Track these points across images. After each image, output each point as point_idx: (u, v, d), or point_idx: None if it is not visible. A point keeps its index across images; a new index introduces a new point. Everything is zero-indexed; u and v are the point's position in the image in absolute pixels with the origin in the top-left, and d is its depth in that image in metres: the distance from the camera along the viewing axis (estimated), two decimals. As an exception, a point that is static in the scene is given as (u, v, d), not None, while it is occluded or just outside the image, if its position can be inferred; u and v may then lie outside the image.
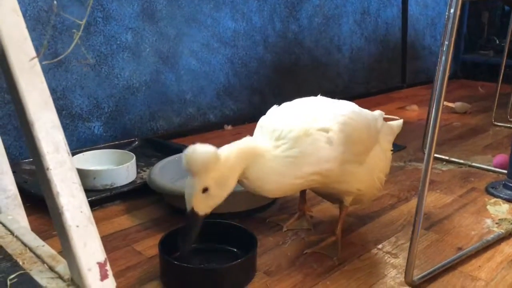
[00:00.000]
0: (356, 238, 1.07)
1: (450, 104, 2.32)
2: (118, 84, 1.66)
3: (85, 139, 1.61)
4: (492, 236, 1.07)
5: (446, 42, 0.77)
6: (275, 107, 1.00)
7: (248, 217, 1.15)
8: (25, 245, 0.63)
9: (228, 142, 0.86)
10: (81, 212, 0.52)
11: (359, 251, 1.01)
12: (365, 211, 1.20)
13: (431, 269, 0.93)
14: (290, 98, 1.02)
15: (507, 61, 2.05)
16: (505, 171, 1.38)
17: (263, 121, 0.96)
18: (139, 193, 1.26)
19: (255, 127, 0.98)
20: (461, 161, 1.57)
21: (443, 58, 0.77)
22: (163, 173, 1.22)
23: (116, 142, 1.59)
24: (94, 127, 1.63)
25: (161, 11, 1.72)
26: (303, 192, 1.12)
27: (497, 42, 3.26)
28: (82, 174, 1.20)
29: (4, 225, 0.68)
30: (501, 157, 1.52)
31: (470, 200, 1.28)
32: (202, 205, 0.82)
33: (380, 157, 1.02)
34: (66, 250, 0.53)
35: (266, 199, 1.19)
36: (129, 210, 1.19)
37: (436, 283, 0.90)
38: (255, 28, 2.06)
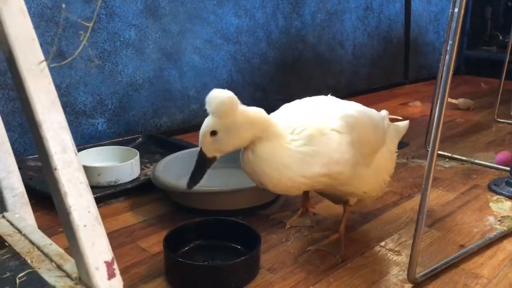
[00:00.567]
0: (359, 236, 1.08)
1: (453, 101, 2.32)
2: (122, 80, 1.67)
3: (89, 136, 1.61)
4: (494, 233, 1.08)
5: (450, 42, 0.77)
6: (286, 105, 0.99)
7: (252, 214, 1.16)
8: (32, 243, 0.64)
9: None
10: (89, 212, 0.52)
11: (362, 248, 1.02)
12: (368, 208, 1.21)
13: (433, 267, 0.93)
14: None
15: (510, 57, 2.04)
16: (508, 168, 1.38)
17: (275, 117, 0.93)
18: (143, 190, 1.27)
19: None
20: (464, 158, 1.57)
21: (447, 57, 0.77)
22: (167, 170, 1.23)
23: (120, 139, 1.60)
24: (97, 123, 1.63)
25: (164, 7, 1.73)
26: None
27: (501, 38, 3.25)
28: (86, 171, 1.21)
29: (11, 224, 0.69)
30: (504, 154, 1.53)
31: (473, 197, 1.28)
32: (210, 147, 0.85)
33: (387, 158, 1.01)
34: (74, 249, 0.53)
35: (269, 196, 1.20)
36: (133, 207, 1.20)
37: (438, 280, 0.91)
38: (258, 25, 2.06)
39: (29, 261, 0.60)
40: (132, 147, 1.44)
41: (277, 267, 0.94)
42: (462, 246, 1.03)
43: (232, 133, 0.84)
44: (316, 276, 0.92)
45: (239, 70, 2.02)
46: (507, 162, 1.46)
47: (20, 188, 0.74)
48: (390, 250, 1.02)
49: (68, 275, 0.57)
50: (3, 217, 0.72)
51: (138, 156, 1.33)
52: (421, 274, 0.90)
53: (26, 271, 0.58)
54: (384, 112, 1.09)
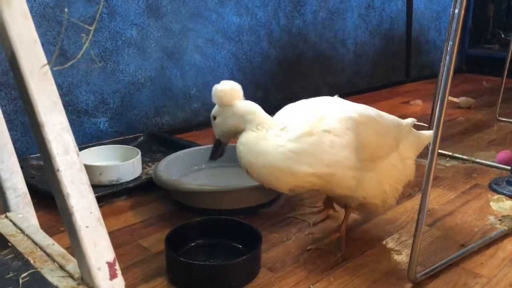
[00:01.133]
0: (360, 235, 1.08)
1: (454, 99, 2.32)
2: (123, 79, 1.67)
3: (90, 135, 1.62)
4: (495, 233, 1.08)
5: (451, 42, 0.78)
6: (290, 104, 1.02)
7: (253, 213, 1.16)
8: (35, 243, 0.65)
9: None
10: (91, 213, 0.53)
11: (363, 248, 1.03)
12: (369, 207, 1.21)
13: (433, 266, 0.94)
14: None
15: (512, 56, 2.04)
16: (509, 167, 1.38)
17: (275, 115, 1.00)
18: (145, 189, 1.28)
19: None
20: (465, 157, 1.57)
21: (447, 58, 0.77)
22: (169, 169, 1.24)
23: (122, 138, 1.61)
24: (99, 122, 1.64)
25: (165, 6, 1.73)
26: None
27: (503, 36, 3.24)
28: (88, 170, 1.22)
29: (14, 224, 0.70)
30: (505, 153, 1.53)
31: (474, 197, 1.29)
32: (215, 129, 1.03)
33: (395, 166, 0.99)
34: (76, 250, 0.54)
35: (270, 195, 1.20)
36: (135, 206, 1.21)
37: (438, 280, 0.91)
38: (259, 23, 2.06)
39: (32, 261, 0.60)
40: (133, 146, 1.44)
41: (278, 266, 0.95)
42: (462, 245, 1.04)
43: (225, 120, 0.99)
44: (317, 275, 0.92)
45: (241, 69, 2.03)
46: (508, 161, 1.46)
47: (23, 188, 0.75)
48: (390, 249, 1.02)
49: (71, 276, 0.57)
50: (6, 217, 0.73)
51: (139, 155, 1.34)
52: (421, 273, 0.91)
53: (29, 271, 0.58)
54: (409, 120, 1.06)
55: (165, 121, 1.83)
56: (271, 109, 1.03)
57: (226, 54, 1.96)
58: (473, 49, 3.30)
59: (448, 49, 0.78)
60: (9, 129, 0.75)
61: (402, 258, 0.99)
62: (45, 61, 0.51)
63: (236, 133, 0.99)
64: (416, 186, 1.33)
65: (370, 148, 0.94)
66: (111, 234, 1.06)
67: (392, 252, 1.01)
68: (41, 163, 1.23)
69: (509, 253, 1.01)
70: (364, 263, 0.97)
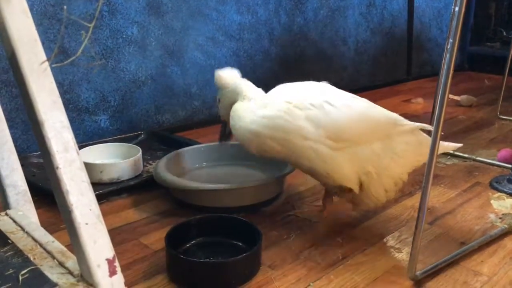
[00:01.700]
0: (360, 233, 1.08)
1: (456, 97, 2.32)
2: (124, 77, 1.67)
3: (91, 133, 1.62)
4: (495, 231, 1.08)
5: (451, 40, 0.78)
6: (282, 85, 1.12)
7: (253, 211, 1.16)
8: (35, 240, 0.65)
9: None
10: (90, 210, 0.53)
11: (363, 245, 1.03)
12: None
13: (433, 264, 0.94)
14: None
15: (513, 54, 2.03)
16: (510, 166, 1.38)
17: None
18: (145, 187, 1.28)
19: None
20: (466, 155, 1.57)
21: (447, 56, 0.77)
22: (170, 167, 1.24)
23: (122, 136, 1.61)
24: (100, 120, 1.64)
25: (166, 4, 1.73)
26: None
27: (504, 34, 3.24)
28: (89, 167, 1.22)
29: (14, 221, 0.70)
30: (506, 152, 1.53)
31: (474, 195, 1.29)
32: (220, 111, 1.19)
33: (380, 156, 1.00)
34: (75, 247, 0.54)
35: (270, 193, 1.20)
36: (135, 204, 1.21)
37: (439, 277, 0.92)
38: (260, 21, 2.06)
39: (31, 258, 0.61)
40: (134, 144, 1.45)
41: (278, 264, 0.95)
42: (462, 243, 1.04)
43: (225, 100, 1.14)
44: (317, 272, 0.92)
45: (242, 67, 2.02)
46: (509, 159, 1.46)
47: (23, 185, 0.75)
48: (391, 247, 1.02)
49: (70, 272, 0.58)
50: (6, 214, 0.73)
51: (140, 153, 1.34)
52: (421, 271, 0.91)
53: (29, 268, 0.59)
54: (416, 124, 1.04)
55: (166, 119, 1.83)
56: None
57: (227, 52, 1.96)
58: (475, 47, 3.29)
59: (448, 47, 0.78)
60: (10, 127, 0.75)
61: (402, 256, 0.99)
62: (44, 58, 0.52)
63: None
64: (417, 184, 1.33)
65: (340, 129, 0.99)
66: (112, 231, 1.06)
67: (393, 250, 1.01)
68: (42, 161, 1.23)
69: (509, 251, 1.01)
70: (364, 260, 0.97)
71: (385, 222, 1.13)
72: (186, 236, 0.98)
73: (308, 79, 1.13)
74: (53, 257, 0.61)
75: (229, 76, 1.14)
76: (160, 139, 1.62)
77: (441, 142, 1.03)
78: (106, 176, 1.26)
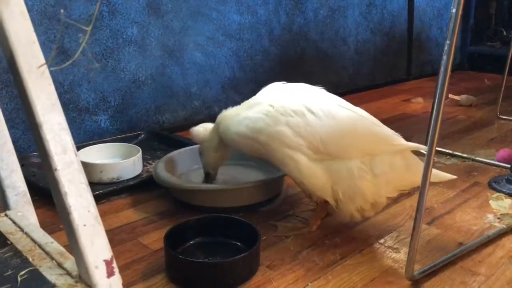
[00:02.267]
0: (358, 233, 1.09)
1: (455, 97, 2.32)
2: (124, 77, 1.68)
3: (91, 133, 1.63)
4: (493, 231, 1.08)
5: (448, 42, 0.78)
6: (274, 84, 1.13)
7: (252, 211, 1.17)
8: (34, 241, 0.65)
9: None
10: (89, 211, 0.54)
11: (361, 246, 1.03)
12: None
13: (431, 264, 0.94)
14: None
15: (513, 53, 2.03)
16: (508, 166, 1.38)
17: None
18: (145, 187, 1.28)
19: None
20: (465, 155, 1.57)
21: (445, 57, 0.78)
22: (169, 167, 1.24)
23: (122, 136, 1.61)
24: (100, 120, 1.65)
25: (166, 4, 1.73)
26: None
27: (504, 33, 3.23)
28: (89, 167, 1.22)
29: (14, 222, 0.70)
30: (504, 152, 1.53)
31: (473, 195, 1.29)
32: (202, 165, 1.22)
33: (354, 175, 0.96)
34: (74, 248, 0.54)
35: (269, 194, 1.21)
36: (135, 204, 1.21)
37: (436, 278, 0.92)
38: (260, 21, 2.06)
39: (30, 259, 0.61)
40: (134, 144, 1.45)
41: (277, 264, 0.95)
42: (460, 243, 1.04)
43: (206, 151, 1.18)
44: (315, 273, 0.93)
45: (242, 67, 2.03)
46: (508, 160, 1.47)
47: (22, 186, 0.75)
48: (389, 247, 1.03)
49: (69, 273, 0.58)
50: (6, 215, 0.73)
51: (140, 153, 1.34)
52: (419, 271, 0.91)
53: (28, 269, 0.59)
54: (407, 145, 1.00)
55: (166, 119, 1.83)
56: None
57: (227, 52, 1.96)
58: (475, 46, 3.29)
59: (446, 48, 0.78)
60: (11, 127, 0.76)
61: (400, 256, 0.99)
62: (43, 60, 0.52)
63: (220, 159, 1.18)
64: (416, 184, 1.33)
65: (316, 140, 0.96)
66: (111, 231, 1.07)
67: (390, 250, 1.02)
68: (42, 161, 1.24)
69: (507, 251, 1.01)
70: (362, 261, 0.97)
71: (383, 222, 1.13)
72: (185, 236, 0.99)
73: (308, 79, 1.13)
74: (52, 258, 0.61)
75: (204, 129, 1.18)
76: (160, 139, 1.62)
77: (435, 171, 0.98)
78: (106, 176, 1.26)
